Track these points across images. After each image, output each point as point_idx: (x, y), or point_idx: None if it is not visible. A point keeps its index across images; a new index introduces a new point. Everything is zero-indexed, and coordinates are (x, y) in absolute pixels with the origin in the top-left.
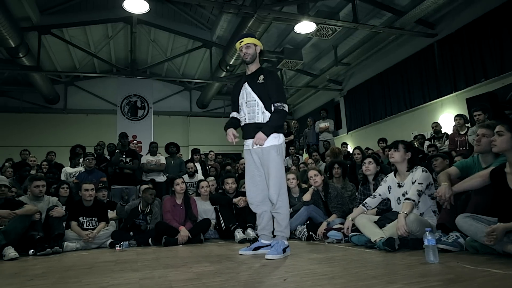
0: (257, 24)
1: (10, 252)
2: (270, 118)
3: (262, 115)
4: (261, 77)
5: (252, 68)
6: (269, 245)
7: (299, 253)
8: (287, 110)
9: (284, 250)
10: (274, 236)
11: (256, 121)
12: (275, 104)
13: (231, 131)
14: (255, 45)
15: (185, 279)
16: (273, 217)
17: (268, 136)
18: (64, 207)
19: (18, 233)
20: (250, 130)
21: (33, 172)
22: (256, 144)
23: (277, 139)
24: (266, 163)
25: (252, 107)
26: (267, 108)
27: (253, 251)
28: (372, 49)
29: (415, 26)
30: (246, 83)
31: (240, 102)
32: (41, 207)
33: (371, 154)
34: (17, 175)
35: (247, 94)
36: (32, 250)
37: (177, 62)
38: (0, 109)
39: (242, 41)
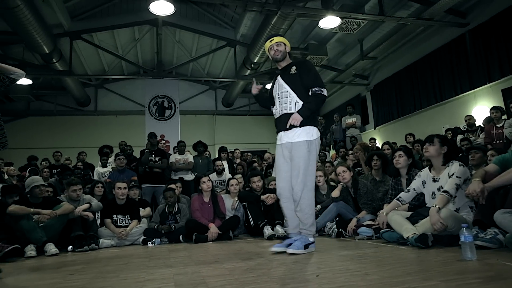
0: (281, 21)
1: (51, 248)
2: (307, 101)
3: (294, 105)
4: (293, 68)
5: (283, 64)
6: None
7: (329, 249)
8: (326, 94)
9: (306, 246)
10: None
11: (289, 112)
12: (313, 89)
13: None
14: (285, 44)
15: (218, 275)
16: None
17: (303, 117)
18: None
19: (57, 230)
20: (282, 122)
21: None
22: (291, 125)
23: (309, 134)
24: (294, 158)
25: (284, 98)
26: (301, 98)
27: (286, 248)
28: (399, 42)
29: (445, 16)
30: (278, 76)
31: (274, 96)
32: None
33: (402, 147)
34: (58, 178)
35: (279, 87)
36: (71, 247)
37: (202, 62)
38: (36, 112)
39: (273, 39)
